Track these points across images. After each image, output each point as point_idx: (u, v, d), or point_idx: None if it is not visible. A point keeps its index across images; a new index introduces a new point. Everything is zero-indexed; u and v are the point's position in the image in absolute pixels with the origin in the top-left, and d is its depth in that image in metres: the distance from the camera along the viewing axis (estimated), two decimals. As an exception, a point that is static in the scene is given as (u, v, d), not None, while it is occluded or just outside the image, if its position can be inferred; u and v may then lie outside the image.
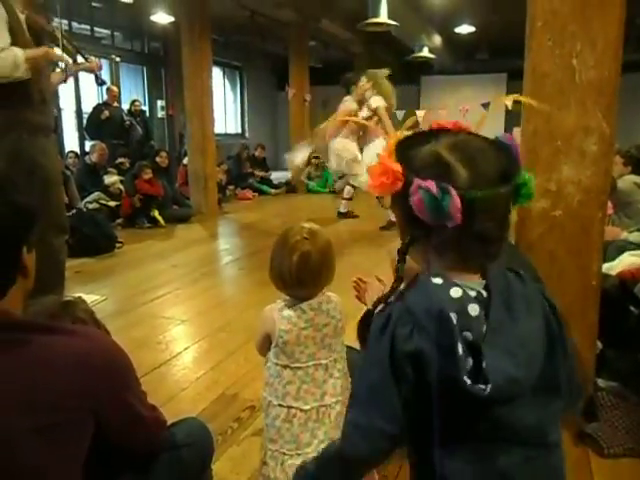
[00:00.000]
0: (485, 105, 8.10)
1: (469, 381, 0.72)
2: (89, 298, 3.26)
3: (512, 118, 10.68)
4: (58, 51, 2.72)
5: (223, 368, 2.39)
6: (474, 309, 0.76)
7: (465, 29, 9.33)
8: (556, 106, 1.74)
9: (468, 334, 0.74)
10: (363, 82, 5.80)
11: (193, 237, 5.57)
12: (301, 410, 1.31)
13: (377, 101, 5.88)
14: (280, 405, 1.32)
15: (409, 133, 0.85)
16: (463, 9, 8.13)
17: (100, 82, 3.27)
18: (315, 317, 1.33)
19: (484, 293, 0.79)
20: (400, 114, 8.76)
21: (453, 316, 0.73)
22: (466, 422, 0.77)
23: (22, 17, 2.49)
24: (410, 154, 0.79)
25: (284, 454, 1.30)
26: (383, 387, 0.77)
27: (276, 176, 9.85)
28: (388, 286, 1.90)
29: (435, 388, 0.75)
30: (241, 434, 1.86)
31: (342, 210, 6.44)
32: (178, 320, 3.04)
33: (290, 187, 9.27)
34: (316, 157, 9.51)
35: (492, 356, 0.74)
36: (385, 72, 6.07)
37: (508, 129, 11.34)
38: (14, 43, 2.39)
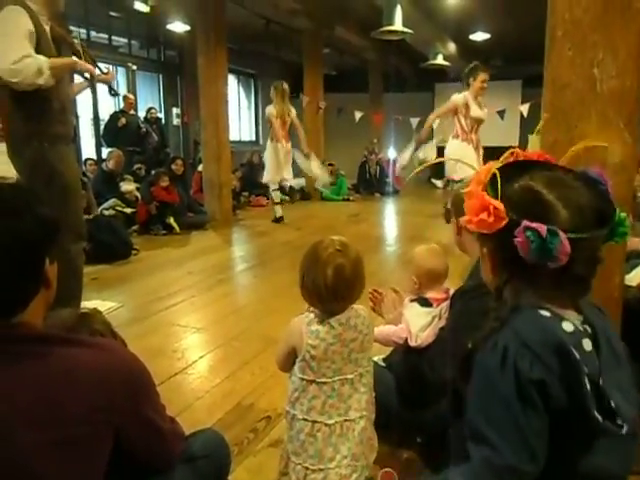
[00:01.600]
0: (501, 113, 8.09)
1: (600, 418, 0.72)
2: (105, 305, 3.28)
3: (527, 125, 10.63)
4: (81, 62, 2.75)
5: (239, 377, 2.38)
6: (588, 344, 0.76)
7: (480, 36, 9.30)
8: (577, 116, 1.72)
9: (586, 369, 0.73)
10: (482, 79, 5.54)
11: (208, 244, 5.59)
12: (325, 424, 1.30)
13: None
14: (305, 419, 1.31)
15: (499, 165, 0.82)
16: (478, 16, 8.12)
17: (113, 93, 3.31)
18: (343, 332, 1.31)
19: (588, 329, 0.79)
20: (414, 121, 8.79)
21: (574, 350, 0.73)
22: (581, 457, 0.76)
23: (47, 28, 2.53)
24: (507, 189, 0.77)
25: (307, 468, 1.29)
26: (511, 421, 0.74)
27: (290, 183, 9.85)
28: (404, 294, 1.89)
29: (558, 422, 0.74)
30: (257, 445, 1.85)
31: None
32: (193, 328, 3.05)
33: (304, 194, 9.28)
34: (330, 164, 9.53)
35: (614, 395, 0.73)
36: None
37: (523, 136, 11.29)
38: (39, 53, 2.43)
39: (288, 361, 1.37)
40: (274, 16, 7.98)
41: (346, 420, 1.31)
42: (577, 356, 0.72)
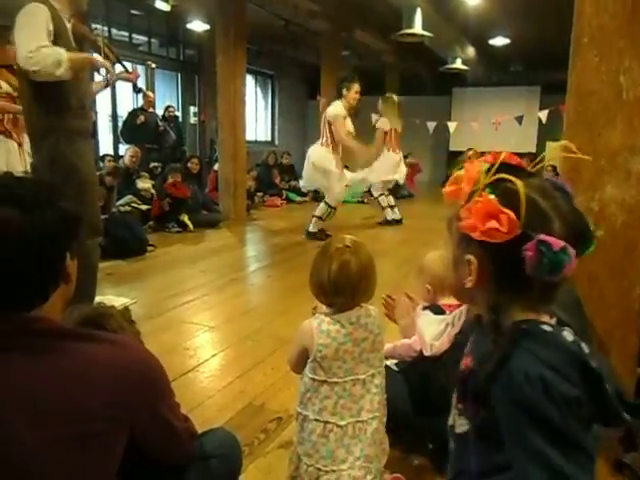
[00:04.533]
0: (519, 118, 8.02)
1: (628, 417, 0.74)
2: (119, 300, 3.30)
3: (545, 131, 10.54)
4: (100, 58, 2.78)
5: (250, 377, 2.38)
6: (585, 347, 0.76)
7: (500, 41, 9.24)
8: (601, 124, 1.70)
9: (599, 372, 0.75)
10: (356, 89, 5.56)
11: (221, 243, 5.61)
12: (337, 425, 1.29)
13: (383, 123, 6.40)
14: (316, 420, 1.30)
15: (487, 165, 0.79)
16: (499, 21, 8.06)
17: (137, 90, 3.34)
18: (354, 332, 1.31)
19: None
20: (431, 126, 8.75)
21: (589, 360, 0.74)
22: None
23: (69, 26, 2.56)
24: (510, 198, 0.74)
25: (319, 470, 1.29)
26: (574, 442, 0.73)
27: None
28: (417, 300, 1.87)
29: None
30: (268, 446, 1.85)
31: (311, 229, 5.84)
32: (206, 326, 3.06)
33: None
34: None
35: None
36: (396, 98, 6.62)
37: (540, 142, 11.19)
38: None
39: (300, 362, 1.37)
40: (293, 17, 8.00)
41: (358, 421, 1.31)
42: (593, 364, 0.73)
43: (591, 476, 0.76)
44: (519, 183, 0.75)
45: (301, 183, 6.37)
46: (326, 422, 1.30)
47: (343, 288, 1.29)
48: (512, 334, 0.78)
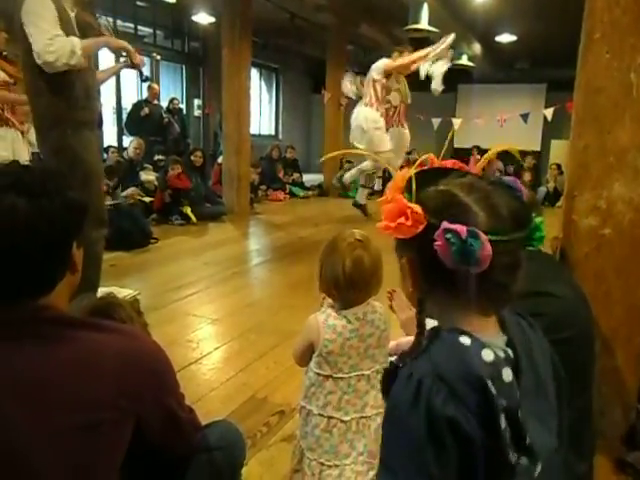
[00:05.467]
0: (524, 116, 7.98)
1: (515, 457, 0.68)
2: (122, 292, 3.30)
3: (550, 130, 10.50)
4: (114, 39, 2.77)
5: (253, 370, 2.38)
6: (508, 375, 0.71)
7: (506, 38, 9.18)
8: (610, 121, 1.68)
9: (503, 402, 0.69)
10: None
11: (224, 236, 5.61)
12: (341, 421, 1.30)
13: (392, 97, 6.11)
14: (320, 415, 1.31)
15: (414, 171, 0.78)
16: (506, 18, 8.01)
17: (144, 78, 3.31)
18: (360, 327, 1.31)
19: (510, 353, 0.74)
20: (436, 122, 8.72)
21: (490, 385, 0.68)
22: None
23: (72, 15, 2.55)
24: (423, 193, 0.75)
25: (322, 464, 1.29)
26: (419, 459, 0.70)
27: (308, 178, 9.85)
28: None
29: (474, 457, 0.69)
30: (270, 439, 1.85)
31: (361, 201, 6.17)
32: (209, 319, 3.06)
33: (322, 190, 9.27)
34: (349, 161, 9.50)
35: (532, 428, 0.70)
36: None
37: (545, 140, 11.15)
38: None
39: (306, 356, 1.37)
40: (299, 11, 7.96)
41: (362, 417, 1.31)
42: (494, 392, 0.68)
43: None
44: (413, 177, 0.76)
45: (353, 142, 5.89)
46: (330, 417, 1.30)
47: (357, 282, 1.28)
48: (428, 337, 0.76)
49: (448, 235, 0.68)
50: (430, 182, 0.76)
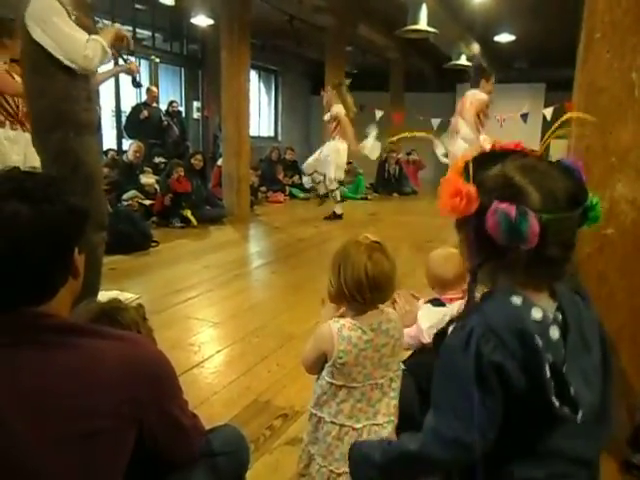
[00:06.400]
0: (524, 116, 7.98)
1: (558, 403, 0.75)
2: (123, 296, 3.29)
3: (549, 129, 10.45)
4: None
5: (255, 373, 2.37)
6: (555, 333, 0.78)
7: (505, 38, 9.19)
8: (612, 122, 1.68)
9: (550, 357, 0.75)
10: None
11: (225, 238, 5.60)
12: (353, 429, 1.28)
13: (338, 108, 6.44)
14: (332, 422, 1.29)
15: (476, 154, 0.84)
16: (504, 17, 8.01)
17: (136, 84, 3.31)
18: (375, 338, 1.28)
19: (559, 316, 0.80)
20: (435, 122, 8.72)
21: (538, 339, 0.75)
22: (539, 438, 0.80)
23: (73, 19, 2.54)
24: (483, 176, 0.80)
25: (331, 472, 1.28)
26: (465, 397, 0.78)
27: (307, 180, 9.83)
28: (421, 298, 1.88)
29: (516, 403, 0.76)
30: (274, 442, 1.84)
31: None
32: (210, 322, 3.05)
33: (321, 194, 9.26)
34: (349, 162, 9.50)
35: (576, 382, 0.76)
36: (346, 82, 6.77)
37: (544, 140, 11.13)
38: None
39: (317, 365, 1.34)
40: (298, 12, 7.96)
41: (374, 424, 1.29)
42: (540, 344, 0.74)
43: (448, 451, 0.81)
44: (470, 160, 0.81)
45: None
46: (342, 425, 1.29)
47: (380, 283, 1.26)
48: (481, 298, 0.84)
49: (498, 214, 0.74)
50: (490, 164, 0.81)
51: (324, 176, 6.55)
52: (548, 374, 0.74)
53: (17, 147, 3.47)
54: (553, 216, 0.74)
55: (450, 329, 0.85)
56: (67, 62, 2.44)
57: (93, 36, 2.47)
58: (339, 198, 6.79)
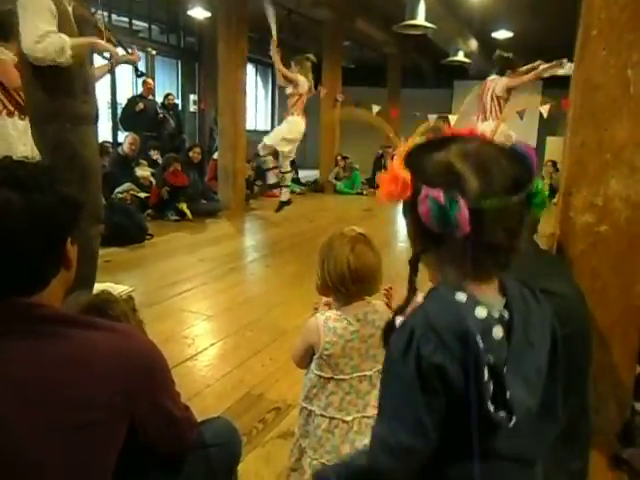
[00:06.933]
0: (520, 113, 7.99)
1: (492, 408, 0.72)
2: (118, 288, 3.28)
3: (545, 126, 10.50)
4: (102, 42, 2.74)
5: (249, 367, 2.38)
6: (498, 332, 0.75)
7: (503, 34, 9.17)
8: (607, 118, 1.68)
9: (491, 358, 0.72)
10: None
11: (220, 232, 5.60)
12: (343, 421, 1.29)
13: (302, 83, 6.14)
14: (322, 415, 1.30)
15: (421, 140, 0.82)
16: (502, 14, 8.00)
17: (139, 74, 3.29)
18: (361, 329, 1.29)
19: (506, 314, 0.77)
20: (432, 118, 8.71)
21: (479, 339, 0.71)
22: (477, 438, 0.76)
23: (69, 9, 2.52)
24: (422, 162, 0.77)
25: (323, 464, 1.28)
26: (409, 402, 0.75)
27: (303, 174, 9.84)
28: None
29: (456, 404, 0.74)
30: (266, 435, 1.85)
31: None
32: (204, 315, 3.05)
33: (317, 186, 9.26)
34: (344, 157, 9.49)
35: (514, 385, 0.73)
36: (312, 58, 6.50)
37: (541, 137, 11.15)
38: (61, 32, 2.42)
39: (305, 358, 1.36)
40: (296, 6, 7.92)
41: (364, 417, 1.30)
42: (481, 345, 0.72)
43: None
44: (411, 148, 0.80)
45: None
46: (332, 417, 1.29)
47: (364, 275, 1.27)
48: (426, 294, 0.80)
49: (429, 200, 0.72)
50: (435, 150, 0.78)
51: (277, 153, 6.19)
52: (486, 377, 0.72)
53: (25, 137, 3.44)
54: (490, 202, 0.72)
55: (397, 323, 0.81)
56: (23, 50, 2.38)
57: (63, 36, 2.41)
58: (288, 182, 6.42)
